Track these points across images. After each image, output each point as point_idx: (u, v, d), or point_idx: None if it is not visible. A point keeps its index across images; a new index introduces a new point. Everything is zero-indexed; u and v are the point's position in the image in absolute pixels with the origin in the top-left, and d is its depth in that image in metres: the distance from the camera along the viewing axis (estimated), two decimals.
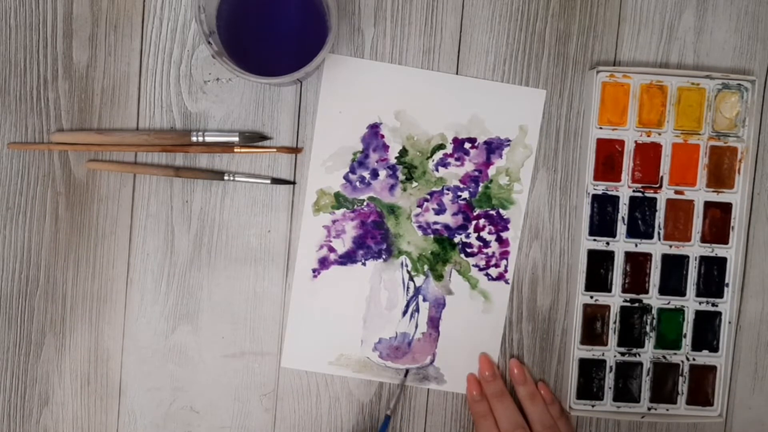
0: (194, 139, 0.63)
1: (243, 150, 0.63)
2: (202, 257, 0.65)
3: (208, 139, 0.63)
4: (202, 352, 0.65)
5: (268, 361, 0.66)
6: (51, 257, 0.64)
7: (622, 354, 0.65)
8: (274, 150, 0.64)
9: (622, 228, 0.65)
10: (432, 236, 0.65)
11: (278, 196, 0.65)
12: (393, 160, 0.65)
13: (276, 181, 0.64)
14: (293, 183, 0.65)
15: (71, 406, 0.65)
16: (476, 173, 0.65)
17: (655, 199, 0.64)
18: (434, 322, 0.66)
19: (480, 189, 0.65)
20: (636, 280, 0.65)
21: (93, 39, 0.64)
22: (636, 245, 0.65)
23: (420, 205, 0.65)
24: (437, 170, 0.65)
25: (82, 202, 0.64)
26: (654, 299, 0.65)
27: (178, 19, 0.64)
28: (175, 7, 0.63)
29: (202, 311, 0.65)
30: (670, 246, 0.65)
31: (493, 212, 0.65)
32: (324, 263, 0.65)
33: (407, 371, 0.66)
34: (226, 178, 0.64)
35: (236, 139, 0.63)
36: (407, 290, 0.65)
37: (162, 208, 0.64)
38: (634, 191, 0.64)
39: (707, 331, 0.65)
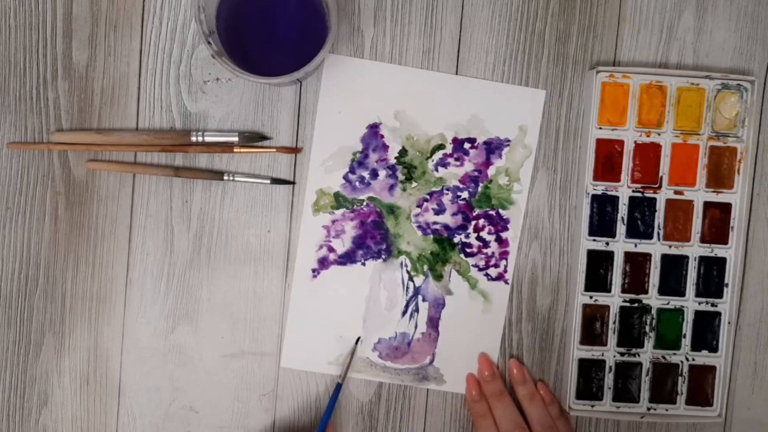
0: (194, 139, 0.63)
1: (243, 150, 0.63)
2: (202, 257, 0.65)
3: (207, 139, 0.63)
4: (201, 352, 0.65)
5: (267, 361, 0.66)
6: (50, 257, 0.64)
7: (622, 354, 0.65)
8: (274, 150, 0.64)
9: (621, 228, 0.65)
10: (431, 236, 0.65)
11: (278, 196, 0.65)
12: (392, 160, 0.65)
13: (276, 181, 0.64)
14: (293, 183, 0.65)
15: (70, 406, 0.65)
16: (476, 173, 0.65)
17: (654, 199, 0.64)
18: (434, 322, 0.66)
19: (479, 189, 0.65)
20: (635, 281, 0.65)
21: (93, 39, 0.64)
22: (635, 245, 0.65)
23: (419, 205, 0.65)
24: (437, 170, 0.65)
25: (81, 202, 0.64)
26: (653, 299, 0.65)
27: (178, 19, 0.64)
28: (175, 7, 0.63)
29: (201, 311, 0.65)
30: (670, 246, 0.65)
31: (492, 212, 0.65)
32: (323, 263, 0.65)
33: (359, 339, 0.66)
34: (225, 178, 0.64)
35: (236, 139, 0.63)
36: (407, 290, 0.65)
37: (162, 208, 0.64)
38: (633, 191, 0.64)
39: (707, 331, 0.65)
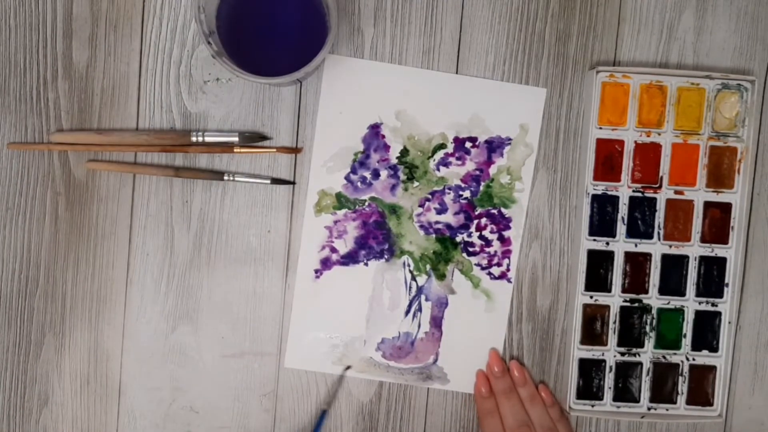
0: (194, 139, 0.63)
1: (243, 150, 0.63)
2: (202, 257, 0.65)
3: (207, 139, 0.63)
4: (202, 352, 0.65)
5: (267, 362, 0.65)
6: (51, 257, 0.64)
7: (622, 354, 0.65)
8: (274, 150, 0.64)
9: (621, 228, 0.65)
10: (434, 236, 0.65)
11: (278, 196, 0.65)
12: (394, 160, 0.65)
13: (276, 181, 0.64)
14: (293, 183, 0.65)
15: (71, 406, 0.65)
16: (477, 172, 0.65)
17: (654, 199, 0.65)
18: (437, 322, 0.66)
19: (481, 188, 0.65)
20: (636, 280, 0.65)
21: (93, 39, 0.63)
22: (636, 245, 0.65)
23: (421, 205, 0.65)
24: (438, 170, 0.65)
25: (81, 202, 0.64)
26: (654, 299, 0.65)
27: (178, 19, 0.64)
28: (175, 7, 0.63)
29: (201, 311, 0.65)
30: (670, 246, 0.65)
31: (494, 211, 0.65)
32: (326, 264, 0.65)
33: (348, 367, 0.66)
34: (225, 178, 0.64)
35: (236, 139, 0.63)
36: (410, 290, 0.65)
37: (162, 209, 0.64)
38: (633, 191, 0.65)
39: (707, 331, 0.65)
